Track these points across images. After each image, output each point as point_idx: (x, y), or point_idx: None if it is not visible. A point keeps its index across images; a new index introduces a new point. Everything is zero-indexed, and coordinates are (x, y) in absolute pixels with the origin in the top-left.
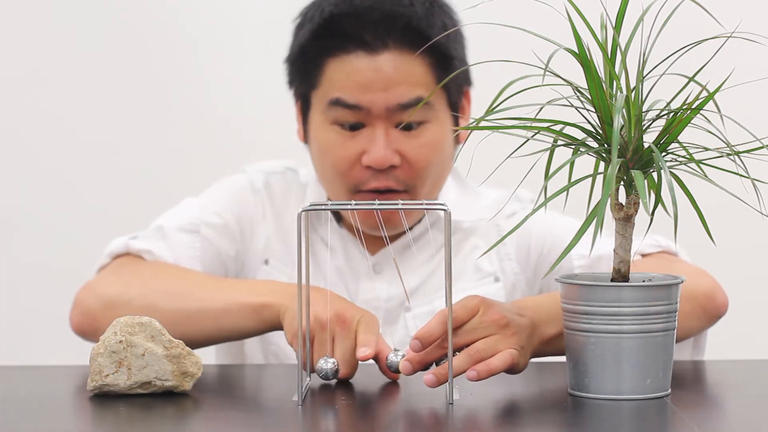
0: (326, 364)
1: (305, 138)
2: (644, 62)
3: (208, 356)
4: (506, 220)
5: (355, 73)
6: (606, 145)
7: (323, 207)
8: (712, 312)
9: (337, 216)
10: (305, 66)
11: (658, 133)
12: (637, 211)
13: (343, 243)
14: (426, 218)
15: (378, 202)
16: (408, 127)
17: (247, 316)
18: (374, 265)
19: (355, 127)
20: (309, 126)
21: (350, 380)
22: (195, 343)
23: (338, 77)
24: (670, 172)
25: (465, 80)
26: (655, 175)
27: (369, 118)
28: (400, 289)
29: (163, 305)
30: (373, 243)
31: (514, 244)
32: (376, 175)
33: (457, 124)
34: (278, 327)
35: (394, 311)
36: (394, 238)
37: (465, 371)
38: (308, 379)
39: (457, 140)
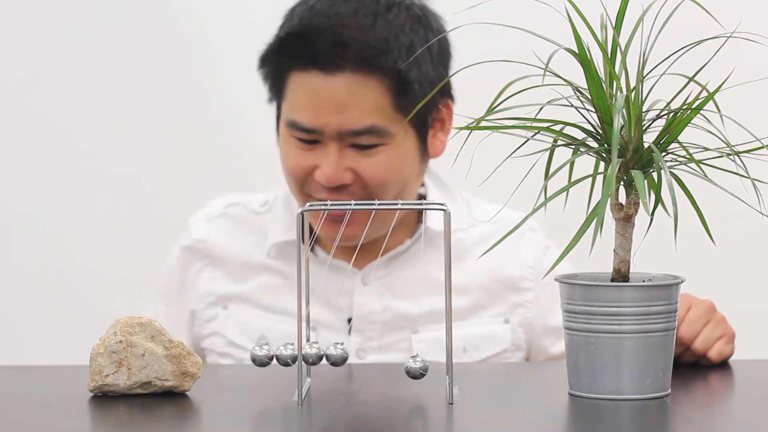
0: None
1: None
2: (644, 62)
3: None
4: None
5: (310, 93)
6: (606, 145)
7: (323, 207)
8: None
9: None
10: (271, 76)
11: (658, 133)
12: (637, 211)
13: (324, 265)
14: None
15: (378, 202)
16: (361, 146)
17: None
18: (362, 278)
19: (310, 141)
20: (279, 131)
21: (350, 381)
22: None
23: (296, 94)
24: (670, 172)
25: (434, 101)
26: (655, 175)
27: (323, 137)
28: (393, 301)
29: None
30: (358, 259)
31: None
32: (329, 189)
33: (425, 139)
34: None
35: (390, 323)
36: (381, 252)
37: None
38: (308, 379)
39: (431, 154)
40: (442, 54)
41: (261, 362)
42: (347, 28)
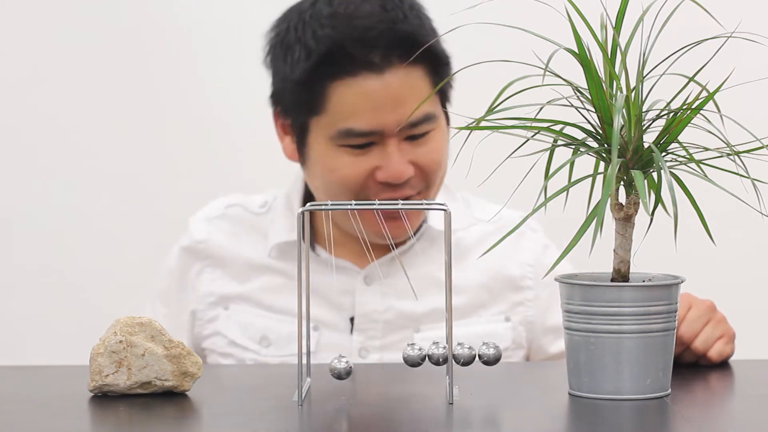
0: (339, 363)
1: (300, 158)
2: (644, 62)
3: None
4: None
5: (365, 95)
6: (606, 145)
7: (323, 207)
8: None
9: (311, 243)
10: (305, 94)
11: (658, 133)
12: (637, 211)
13: (326, 266)
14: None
15: (378, 202)
16: (414, 136)
17: None
18: (364, 277)
19: (365, 145)
20: (308, 148)
21: (350, 380)
22: None
23: (347, 101)
24: (670, 172)
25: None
26: (655, 175)
27: (381, 138)
28: (396, 300)
29: None
30: (361, 258)
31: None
32: (391, 187)
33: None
34: None
35: (392, 322)
36: (385, 250)
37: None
38: (308, 379)
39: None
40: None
41: (413, 362)
42: (388, 21)
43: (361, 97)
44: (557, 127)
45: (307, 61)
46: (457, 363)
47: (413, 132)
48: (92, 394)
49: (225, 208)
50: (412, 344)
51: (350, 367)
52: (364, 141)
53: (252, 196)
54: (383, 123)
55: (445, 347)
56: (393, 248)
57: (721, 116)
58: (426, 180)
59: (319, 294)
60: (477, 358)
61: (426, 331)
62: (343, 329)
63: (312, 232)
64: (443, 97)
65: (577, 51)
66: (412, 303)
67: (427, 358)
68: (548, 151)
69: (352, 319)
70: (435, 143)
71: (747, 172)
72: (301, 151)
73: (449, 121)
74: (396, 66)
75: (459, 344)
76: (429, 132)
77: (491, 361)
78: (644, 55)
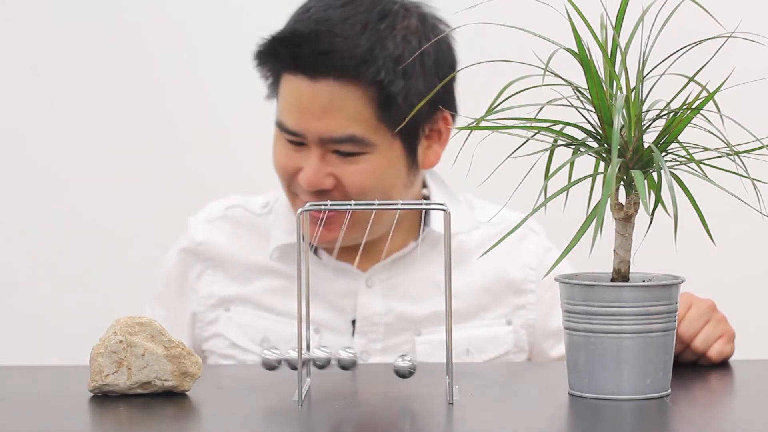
0: (345, 353)
1: None
2: (644, 62)
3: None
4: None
5: (296, 96)
6: (606, 145)
7: (323, 207)
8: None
9: (315, 248)
10: (267, 75)
11: (658, 133)
12: (637, 211)
13: (328, 267)
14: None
15: (378, 202)
16: (341, 153)
17: None
18: (366, 280)
19: (299, 143)
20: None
21: (350, 381)
22: None
23: (284, 96)
24: (670, 172)
25: (423, 114)
26: (655, 175)
27: (307, 141)
28: (397, 303)
29: None
30: (362, 261)
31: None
32: (308, 193)
33: (414, 150)
34: None
35: (393, 325)
36: (387, 254)
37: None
38: (308, 379)
39: (423, 165)
40: (438, 66)
41: (270, 365)
42: (333, 35)
43: (292, 96)
44: (557, 127)
45: (263, 47)
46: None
47: (337, 148)
48: (92, 394)
49: (225, 210)
50: (404, 355)
51: (356, 359)
52: (293, 139)
53: (253, 197)
54: (306, 128)
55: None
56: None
57: (721, 116)
58: (347, 199)
59: (321, 296)
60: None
61: (427, 335)
62: (344, 332)
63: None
64: (387, 125)
65: (577, 51)
66: (413, 306)
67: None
68: (548, 151)
69: (353, 322)
70: (364, 167)
71: (747, 172)
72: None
73: (455, 120)
74: (329, 78)
75: (400, 356)
76: (359, 154)
77: (405, 374)
78: (644, 55)
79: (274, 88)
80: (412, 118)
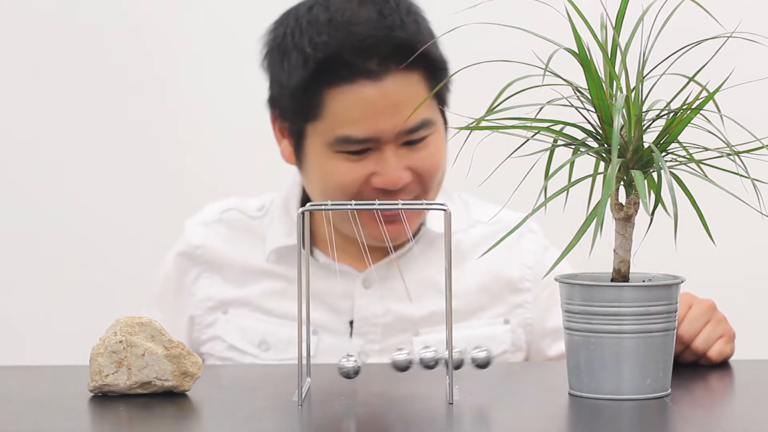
0: (348, 362)
1: (297, 162)
2: (644, 62)
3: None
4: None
5: (362, 102)
6: (606, 145)
7: (323, 207)
8: None
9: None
10: (302, 100)
11: (658, 133)
12: (637, 211)
13: (325, 270)
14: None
15: (378, 202)
16: (412, 142)
17: None
18: (363, 281)
19: (361, 151)
20: (305, 153)
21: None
22: None
23: (344, 108)
24: (670, 172)
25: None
26: (655, 175)
27: (377, 144)
28: (395, 304)
29: None
30: (359, 262)
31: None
32: (387, 193)
33: (453, 125)
34: None
35: (391, 326)
36: (383, 254)
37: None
38: (308, 379)
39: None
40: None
41: (401, 367)
42: (386, 28)
43: (359, 105)
44: (557, 127)
45: (304, 67)
46: (453, 367)
47: (411, 137)
48: (92, 394)
49: (221, 212)
50: (401, 349)
51: (359, 367)
52: (361, 147)
53: (249, 200)
54: (381, 130)
55: (435, 351)
56: (391, 251)
57: (721, 116)
58: (423, 185)
59: (319, 298)
60: (470, 361)
61: (425, 335)
62: (342, 333)
63: (311, 235)
64: (440, 101)
65: (577, 51)
66: (410, 306)
67: (420, 361)
68: (548, 151)
69: (351, 323)
70: (432, 147)
71: (747, 172)
72: (298, 155)
73: (447, 123)
74: (393, 72)
75: (398, 350)
76: (426, 137)
77: (482, 365)
78: (644, 55)
79: (309, 110)
80: (446, 92)
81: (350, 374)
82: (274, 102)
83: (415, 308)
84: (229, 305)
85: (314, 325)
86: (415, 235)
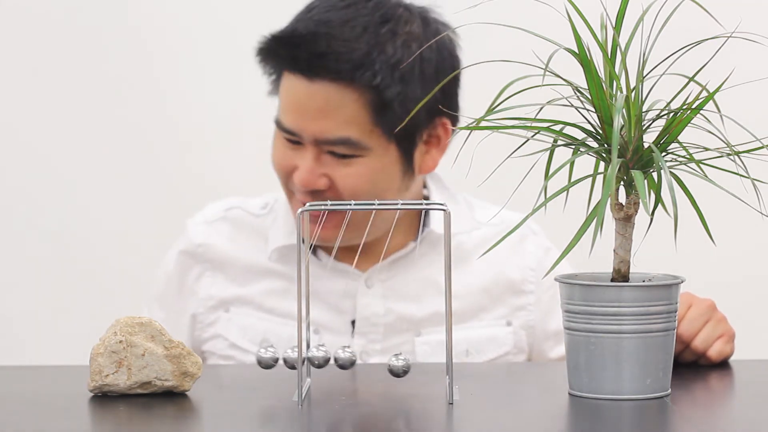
0: (343, 353)
1: None
2: (644, 62)
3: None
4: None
5: (293, 96)
6: (606, 145)
7: (323, 207)
8: None
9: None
10: (270, 72)
11: (658, 133)
12: (637, 211)
13: (327, 270)
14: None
15: (378, 202)
16: (336, 154)
17: None
18: (365, 280)
19: (295, 142)
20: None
21: (350, 381)
22: None
23: (283, 95)
24: (670, 172)
25: (420, 120)
26: (655, 175)
27: (303, 141)
28: (396, 304)
29: None
30: (362, 262)
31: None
32: (305, 192)
33: (410, 155)
34: None
35: (393, 326)
36: (386, 255)
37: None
38: (308, 379)
39: (421, 170)
40: (439, 73)
41: (266, 364)
42: (331, 37)
43: (291, 96)
44: (557, 127)
45: (264, 44)
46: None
47: (331, 149)
48: (92, 394)
49: (224, 211)
50: (398, 354)
51: (354, 358)
52: (290, 137)
53: (252, 199)
54: (303, 128)
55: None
56: (307, 251)
57: (721, 116)
58: (342, 200)
59: (320, 297)
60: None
61: (427, 335)
62: (344, 332)
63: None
64: (382, 129)
65: (577, 51)
66: (412, 306)
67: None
68: (548, 151)
69: (353, 323)
70: (358, 170)
71: (747, 172)
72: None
73: (456, 123)
74: (326, 79)
75: (394, 355)
76: (354, 157)
77: (399, 374)
78: (644, 55)
79: (276, 85)
80: (409, 123)
81: (345, 365)
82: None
83: (416, 308)
84: (231, 304)
85: (316, 325)
86: (418, 235)
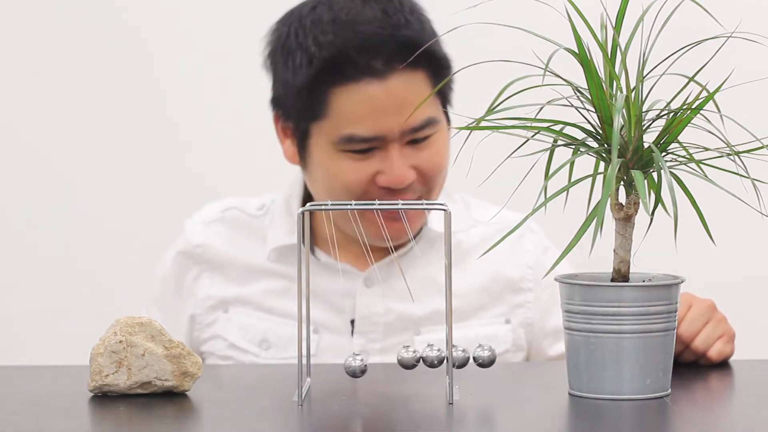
0: (354, 361)
1: (301, 162)
2: (644, 62)
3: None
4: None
5: (368, 101)
6: (606, 145)
7: (323, 207)
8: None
9: (311, 246)
10: (307, 100)
11: (658, 133)
12: (637, 211)
13: (326, 269)
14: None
15: (378, 201)
16: (416, 140)
17: None
18: (365, 280)
19: (366, 150)
20: (309, 153)
21: (350, 381)
22: None
23: (349, 107)
24: (670, 172)
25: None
26: (655, 175)
27: (383, 143)
28: (396, 303)
29: None
30: (361, 261)
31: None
32: (392, 192)
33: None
34: None
35: (392, 325)
36: (385, 253)
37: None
38: (308, 379)
39: None
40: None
41: (409, 365)
42: (391, 27)
43: (364, 103)
44: (557, 127)
45: (309, 67)
46: (453, 365)
47: (415, 136)
48: (92, 394)
49: (222, 212)
50: (407, 346)
51: (365, 366)
52: (366, 146)
53: (249, 199)
54: (385, 128)
55: (439, 350)
56: (392, 251)
57: (721, 116)
58: (427, 184)
59: (320, 297)
60: (472, 360)
61: (426, 334)
62: (343, 332)
63: (312, 234)
64: (444, 99)
65: (577, 51)
66: (412, 306)
67: (421, 360)
68: (548, 151)
69: (352, 322)
70: (437, 146)
71: (747, 172)
72: (302, 155)
73: (450, 122)
74: (398, 71)
75: (454, 347)
76: (431, 136)
77: (486, 364)
78: (644, 55)
79: (315, 110)
80: (449, 90)
81: (356, 373)
82: (277, 102)
83: (416, 307)
84: (230, 304)
85: (315, 324)
86: (416, 234)
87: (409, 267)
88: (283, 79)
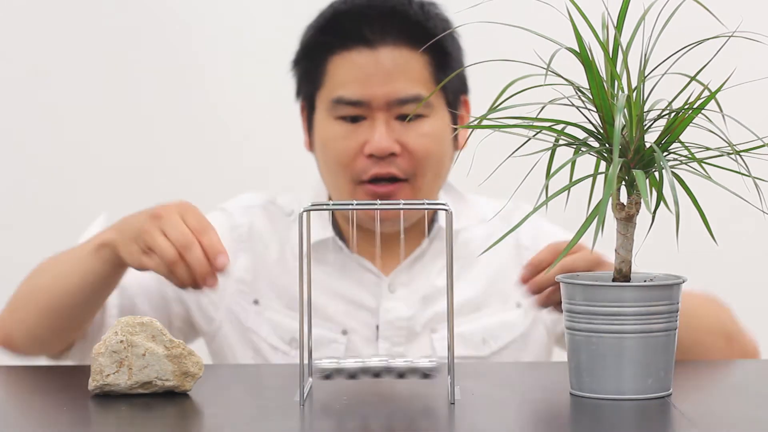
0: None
1: (311, 146)
2: (646, 62)
3: (207, 357)
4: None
5: (356, 68)
6: (607, 145)
7: (324, 207)
8: (738, 353)
9: (341, 237)
10: (309, 66)
11: (659, 132)
12: (638, 211)
13: (354, 267)
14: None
15: (379, 202)
16: (405, 117)
17: (92, 263)
18: (389, 285)
19: (356, 120)
20: (314, 127)
21: (351, 380)
22: (77, 311)
23: (340, 73)
24: (672, 171)
25: (462, 85)
26: (656, 174)
27: (370, 111)
28: (418, 306)
29: (26, 288)
30: (386, 264)
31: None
32: (378, 162)
33: (455, 123)
34: (121, 263)
35: (414, 329)
36: (405, 254)
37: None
38: (310, 378)
39: (456, 145)
40: (458, 47)
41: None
42: (390, 2)
43: (352, 69)
44: (559, 127)
45: (310, 33)
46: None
47: (402, 110)
48: (93, 394)
49: (262, 201)
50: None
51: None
52: (354, 111)
53: (281, 195)
54: (371, 94)
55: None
56: (403, 245)
57: (722, 115)
58: (413, 164)
59: (347, 298)
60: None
61: (442, 331)
62: (370, 337)
63: (339, 230)
64: (447, 94)
65: (578, 50)
66: (434, 309)
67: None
68: (549, 151)
69: (377, 327)
70: (427, 129)
71: (749, 171)
72: (310, 134)
73: (455, 122)
74: (390, 44)
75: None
76: (423, 117)
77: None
78: (646, 54)
79: (315, 78)
80: (453, 89)
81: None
82: (297, 80)
83: (434, 307)
84: (261, 296)
85: (344, 327)
86: (430, 232)
87: (428, 267)
88: (301, 44)
